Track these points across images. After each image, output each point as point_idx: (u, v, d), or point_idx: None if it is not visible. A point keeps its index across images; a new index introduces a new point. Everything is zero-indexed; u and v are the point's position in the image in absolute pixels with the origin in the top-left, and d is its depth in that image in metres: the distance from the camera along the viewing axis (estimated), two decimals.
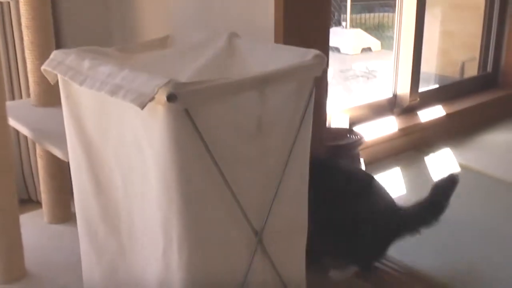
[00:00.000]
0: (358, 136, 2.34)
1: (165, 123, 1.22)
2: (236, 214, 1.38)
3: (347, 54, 5.32)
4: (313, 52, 1.47)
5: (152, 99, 1.18)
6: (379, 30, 5.84)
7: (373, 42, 5.53)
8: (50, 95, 2.08)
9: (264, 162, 1.41)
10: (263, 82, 1.33)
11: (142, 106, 1.18)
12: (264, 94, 1.35)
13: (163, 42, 1.77)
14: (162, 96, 1.18)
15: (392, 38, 3.25)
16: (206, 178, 1.30)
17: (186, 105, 1.21)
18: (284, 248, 1.53)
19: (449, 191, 1.95)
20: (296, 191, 1.52)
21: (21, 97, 2.32)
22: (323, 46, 2.02)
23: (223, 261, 1.40)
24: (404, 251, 2.11)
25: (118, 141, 1.41)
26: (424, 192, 2.40)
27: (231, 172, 1.33)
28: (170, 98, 1.17)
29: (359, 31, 5.60)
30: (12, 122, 1.90)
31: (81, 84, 1.38)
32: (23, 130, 1.92)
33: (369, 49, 5.50)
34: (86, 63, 1.40)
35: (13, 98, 2.31)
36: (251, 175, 1.39)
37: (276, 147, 1.43)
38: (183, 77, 1.56)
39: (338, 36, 5.24)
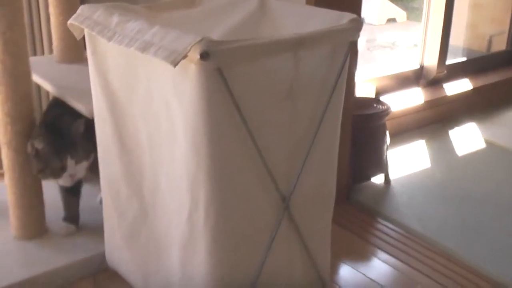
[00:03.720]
0: (385, 106, 2.29)
1: (196, 82, 1.18)
2: (265, 179, 1.35)
3: (372, 24, 5.24)
4: (348, 15, 1.42)
5: (185, 57, 1.15)
6: (405, 1, 5.74)
7: (399, 13, 5.44)
8: (73, 52, 2.04)
9: (294, 127, 1.37)
10: (298, 44, 1.29)
11: (175, 64, 1.15)
12: (298, 56, 1.31)
13: (191, 1, 1.73)
14: (195, 54, 1.14)
15: (418, 9, 3.19)
16: (235, 140, 1.27)
17: (219, 64, 1.17)
18: (311, 216, 1.50)
19: None
20: (325, 158, 1.49)
21: (43, 53, 2.28)
22: (356, 12, 1.96)
23: (249, 226, 1.37)
24: (427, 225, 2.08)
25: (145, 99, 1.37)
26: (448, 166, 2.36)
27: (261, 136, 1.30)
28: (204, 56, 1.13)
29: (384, 1, 5.51)
30: (35, 78, 1.87)
31: (109, 40, 1.34)
32: (47, 86, 1.89)
33: (394, 19, 5.41)
34: (115, 19, 1.37)
35: (35, 54, 2.28)
36: (281, 139, 1.36)
37: (307, 112, 1.39)
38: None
39: (363, 5, 5.15)
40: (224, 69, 1.18)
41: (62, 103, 1.77)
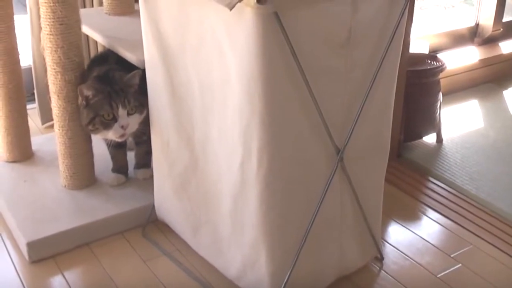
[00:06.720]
0: (440, 63, 2.22)
1: (252, 27, 1.15)
2: (319, 129, 1.32)
3: None
4: None
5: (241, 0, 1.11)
6: None
7: None
8: (123, 4, 2.02)
9: (351, 76, 1.33)
10: None
11: (231, 7, 1.11)
12: (356, 3, 1.26)
13: None
14: None
15: None
16: (291, 87, 1.23)
17: (276, 8, 1.13)
18: (364, 169, 1.47)
19: None
20: (380, 110, 1.44)
21: (92, 5, 2.27)
22: None
23: (301, 177, 1.34)
24: (480, 186, 2.03)
25: (197, 46, 1.35)
26: (502, 126, 2.28)
27: (317, 84, 1.26)
28: None
29: None
30: (85, 29, 1.85)
31: None
32: (96, 37, 1.88)
33: None
34: None
35: (84, 6, 2.27)
36: (337, 89, 1.32)
37: (364, 62, 1.35)
38: None
39: None
40: (281, 13, 1.14)
41: (105, 60, 1.77)
